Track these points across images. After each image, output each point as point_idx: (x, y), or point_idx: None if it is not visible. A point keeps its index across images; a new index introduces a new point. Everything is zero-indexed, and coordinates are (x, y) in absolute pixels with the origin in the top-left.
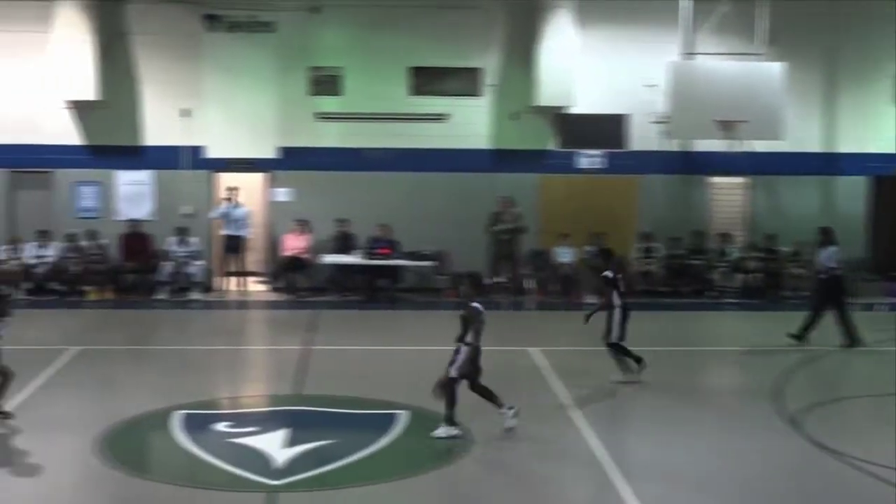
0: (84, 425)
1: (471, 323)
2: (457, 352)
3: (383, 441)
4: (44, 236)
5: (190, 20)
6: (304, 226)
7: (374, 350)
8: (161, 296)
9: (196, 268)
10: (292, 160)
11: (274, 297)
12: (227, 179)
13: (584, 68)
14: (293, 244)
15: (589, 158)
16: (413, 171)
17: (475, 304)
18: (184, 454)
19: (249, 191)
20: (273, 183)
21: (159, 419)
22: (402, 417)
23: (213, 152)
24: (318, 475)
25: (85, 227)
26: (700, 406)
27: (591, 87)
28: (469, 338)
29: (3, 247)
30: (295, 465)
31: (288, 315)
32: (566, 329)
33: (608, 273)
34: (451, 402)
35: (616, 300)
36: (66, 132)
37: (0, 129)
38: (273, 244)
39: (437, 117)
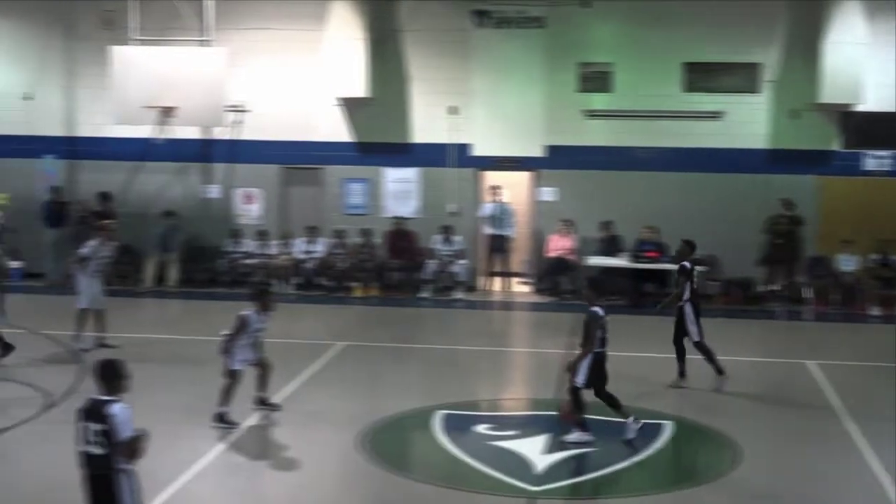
0: (347, 420)
1: (591, 328)
2: (579, 358)
3: (646, 452)
4: (313, 232)
5: (459, 17)
6: (569, 226)
7: (639, 357)
8: (425, 294)
9: (460, 267)
10: (559, 159)
11: (537, 298)
12: (492, 178)
13: (872, 63)
14: (558, 245)
15: (877, 160)
16: (684, 172)
17: (594, 309)
18: (444, 454)
19: (514, 189)
20: (538, 182)
21: (421, 418)
22: (667, 428)
23: (479, 150)
24: (578, 483)
25: (352, 223)
26: None
27: (881, 82)
28: (597, 344)
29: (275, 242)
30: (555, 472)
31: (551, 317)
32: (848, 342)
33: (685, 263)
34: (579, 408)
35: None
36: (337, 129)
37: (275, 125)
38: (537, 245)
39: (712, 115)
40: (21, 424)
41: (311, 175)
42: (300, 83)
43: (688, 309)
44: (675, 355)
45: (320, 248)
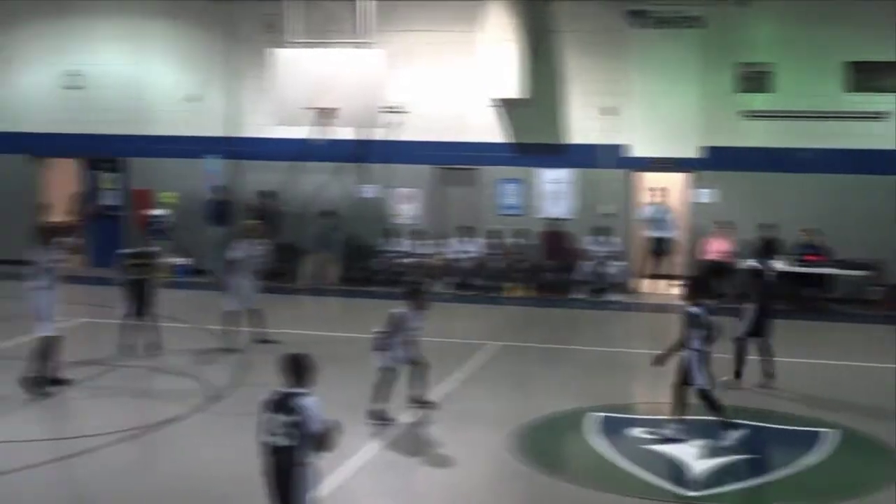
0: (499, 420)
1: (693, 327)
2: (688, 360)
3: (806, 460)
4: (467, 232)
5: (615, 17)
6: (727, 229)
7: (799, 363)
8: (579, 295)
9: (615, 268)
10: (716, 160)
11: None
12: (648, 179)
13: None
14: (716, 248)
15: None
16: (847, 174)
17: (693, 309)
18: (597, 457)
19: (671, 191)
20: (695, 183)
21: (573, 419)
22: (829, 436)
23: (635, 151)
24: (735, 491)
25: (506, 223)
26: None
27: None
28: (695, 344)
29: (430, 241)
30: (712, 478)
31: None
32: None
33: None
34: (715, 409)
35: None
36: (491, 130)
37: (430, 126)
38: (694, 247)
39: (876, 116)
40: (185, 417)
41: (466, 175)
42: (455, 84)
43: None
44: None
45: (474, 248)
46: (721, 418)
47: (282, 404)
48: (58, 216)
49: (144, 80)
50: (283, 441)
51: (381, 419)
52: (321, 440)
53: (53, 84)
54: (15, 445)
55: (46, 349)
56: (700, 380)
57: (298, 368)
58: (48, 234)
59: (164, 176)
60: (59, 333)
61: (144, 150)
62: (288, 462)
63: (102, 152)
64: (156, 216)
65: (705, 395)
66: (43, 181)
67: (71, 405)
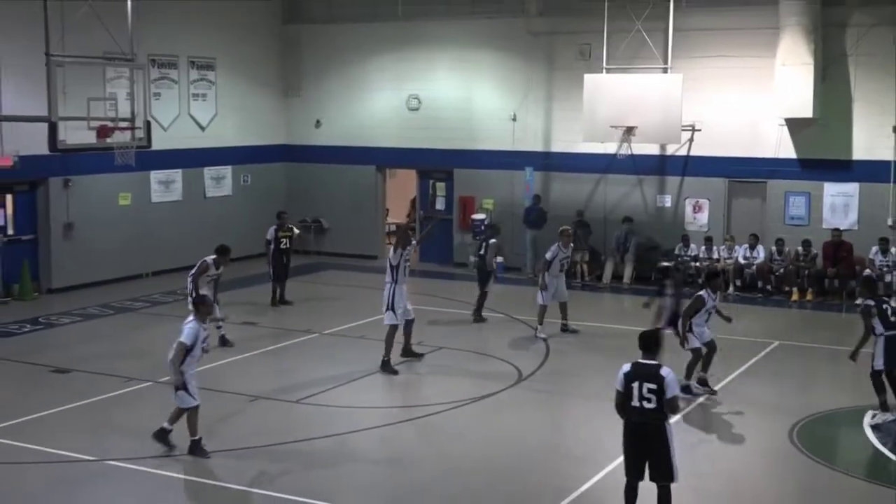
0: (781, 411)
1: (865, 318)
2: (859, 344)
3: None
4: (754, 240)
5: None
6: None
7: None
8: (859, 301)
9: None
10: None
11: None
12: None
13: None
14: None
15: None
16: None
17: (868, 302)
18: (873, 451)
19: None
20: None
21: (852, 416)
22: None
23: None
24: None
25: (792, 233)
26: None
27: None
28: (878, 329)
29: (720, 247)
30: None
31: None
32: None
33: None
34: (879, 389)
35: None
36: (782, 146)
37: (723, 143)
38: None
39: None
40: (500, 392)
41: (755, 188)
42: (747, 104)
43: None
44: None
45: (761, 254)
46: (881, 399)
47: (647, 374)
48: (397, 218)
49: (472, 103)
50: (648, 404)
51: (705, 385)
52: (674, 404)
53: (398, 107)
54: (376, 410)
55: (391, 337)
56: (879, 362)
57: (653, 344)
58: (401, 235)
59: (485, 184)
60: (401, 321)
61: (470, 162)
62: (656, 421)
63: (435, 164)
64: (476, 219)
65: (876, 376)
66: (386, 188)
67: (415, 380)
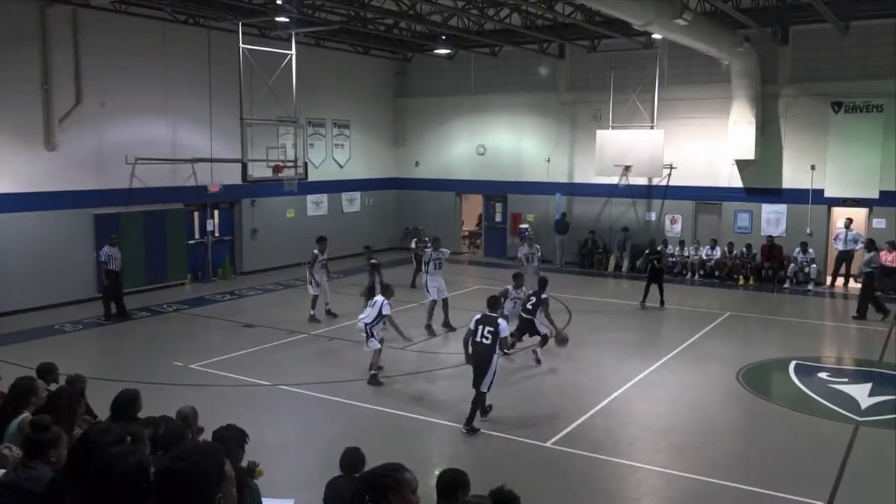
0: (729, 361)
1: None
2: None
3: None
4: (713, 242)
5: (822, 106)
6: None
7: None
8: (786, 286)
9: (812, 269)
10: (889, 199)
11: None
12: (839, 212)
13: None
14: (887, 258)
15: None
16: None
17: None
18: (795, 389)
19: (855, 220)
20: (873, 215)
21: (780, 364)
22: None
23: (829, 192)
24: (893, 419)
25: (739, 238)
26: None
27: None
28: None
29: (689, 247)
30: (876, 409)
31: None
32: None
33: None
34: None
35: None
36: (733, 179)
37: (691, 176)
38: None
39: None
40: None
41: (714, 207)
42: (708, 150)
43: None
44: None
45: (717, 253)
46: None
47: (487, 321)
48: (469, 227)
49: (520, 150)
50: (485, 341)
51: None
52: (503, 343)
53: (470, 152)
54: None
55: (432, 308)
56: None
57: (493, 304)
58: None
59: (528, 204)
60: (437, 298)
61: (518, 189)
62: (488, 353)
63: (495, 191)
64: (522, 228)
65: None
66: (462, 206)
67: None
